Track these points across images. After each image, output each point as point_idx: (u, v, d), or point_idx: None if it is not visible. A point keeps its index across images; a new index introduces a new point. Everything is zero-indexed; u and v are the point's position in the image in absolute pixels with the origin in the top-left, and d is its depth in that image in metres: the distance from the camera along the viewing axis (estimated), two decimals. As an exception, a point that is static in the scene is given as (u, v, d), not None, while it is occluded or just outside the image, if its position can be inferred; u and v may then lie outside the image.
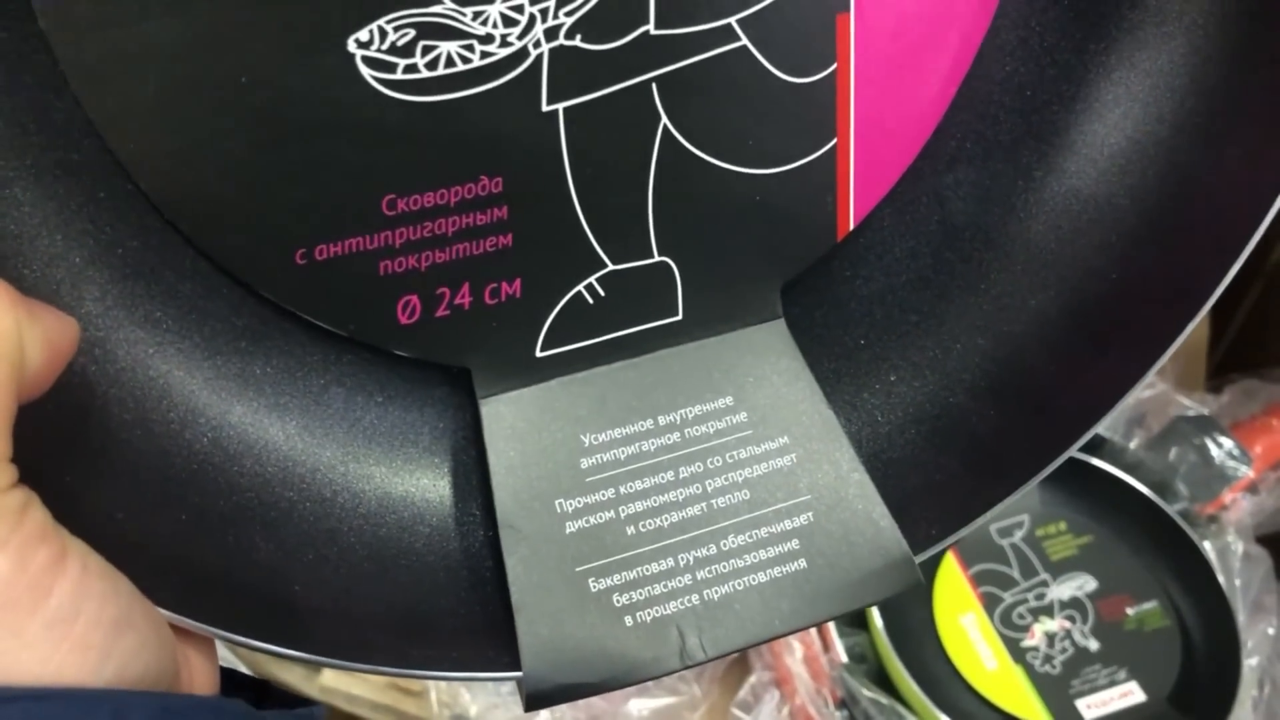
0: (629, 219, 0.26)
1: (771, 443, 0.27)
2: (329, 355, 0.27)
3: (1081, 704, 0.52)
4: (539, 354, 0.26)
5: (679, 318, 0.27)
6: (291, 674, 0.60)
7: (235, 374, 0.26)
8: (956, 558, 0.57)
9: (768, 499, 0.26)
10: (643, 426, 0.27)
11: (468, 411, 0.27)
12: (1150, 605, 0.55)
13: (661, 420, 0.27)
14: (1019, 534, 0.58)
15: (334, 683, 0.61)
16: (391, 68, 0.23)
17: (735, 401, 0.27)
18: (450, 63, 0.23)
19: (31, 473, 0.19)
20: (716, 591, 0.25)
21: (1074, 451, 0.26)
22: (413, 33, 0.23)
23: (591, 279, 0.27)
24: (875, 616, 0.53)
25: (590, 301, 0.27)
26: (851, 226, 0.28)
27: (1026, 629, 0.55)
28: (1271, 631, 0.55)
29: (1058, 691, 0.53)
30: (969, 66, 0.27)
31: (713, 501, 0.26)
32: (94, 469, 0.23)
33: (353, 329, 0.25)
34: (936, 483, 0.28)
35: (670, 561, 0.25)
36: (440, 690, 0.58)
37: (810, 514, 0.26)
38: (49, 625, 0.18)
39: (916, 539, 0.26)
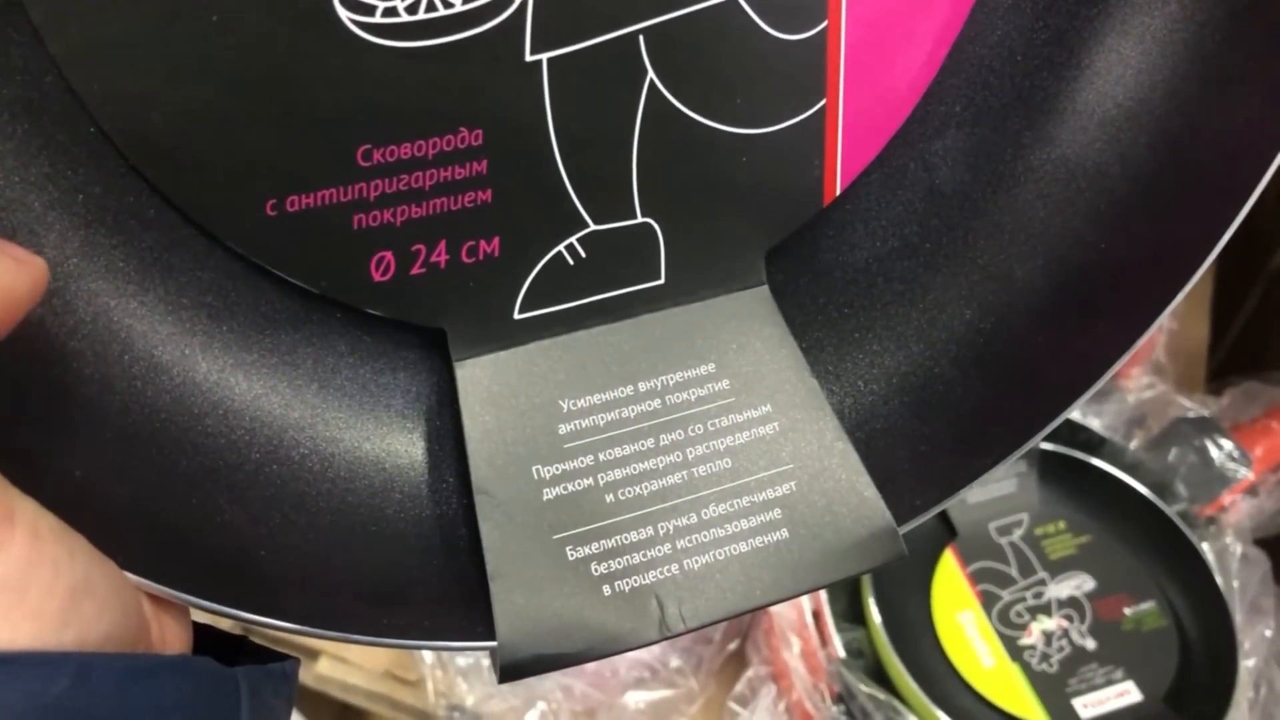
0: (612, 177, 0.25)
1: (754, 410, 0.26)
2: (299, 313, 0.26)
3: (1078, 703, 0.52)
4: (517, 316, 0.26)
5: (661, 282, 0.27)
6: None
7: (201, 330, 0.25)
8: (955, 555, 0.57)
9: (750, 467, 0.25)
10: (623, 393, 0.26)
11: (443, 374, 0.27)
12: (1148, 606, 0.55)
13: (642, 386, 0.26)
14: (1018, 532, 0.58)
15: (329, 671, 0.61)
16: (370, 10, 0.22)
17: (717, 369, 0.27)
18: (431, 7, 0.22)
19: None
20: (697, 561, 0.24)
21: (1060, 421, 0.26)
22: None
23: (572, 239, 0.26)
24: (873, 612, 0.53)
25: (571, 263, 0.26)
26: (838, 191, 0.27)
27: (1024, 627, 0.55)
28: (1269, 634, 0.55)
29: (1054, 690, 0.53)
30: (960, 29, 0.27)
31: (694, 470, 0.25)
32: (51, 426, 0.22)
33: (324, 285, 0.24)
34: (921, 453, 0.27)
35: (650, 530, 0.25)
36: (436, 680, 0.58)
37: (793, 483, 0.25)
38: None
39: (901, 510, 0.25)
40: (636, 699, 0.55)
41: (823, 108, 0.26)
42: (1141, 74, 0.27)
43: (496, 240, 0.25)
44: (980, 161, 0.28)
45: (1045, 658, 0.54)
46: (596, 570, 0.24)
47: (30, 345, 0.22)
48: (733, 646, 0.56)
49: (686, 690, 0.55)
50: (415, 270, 0.25)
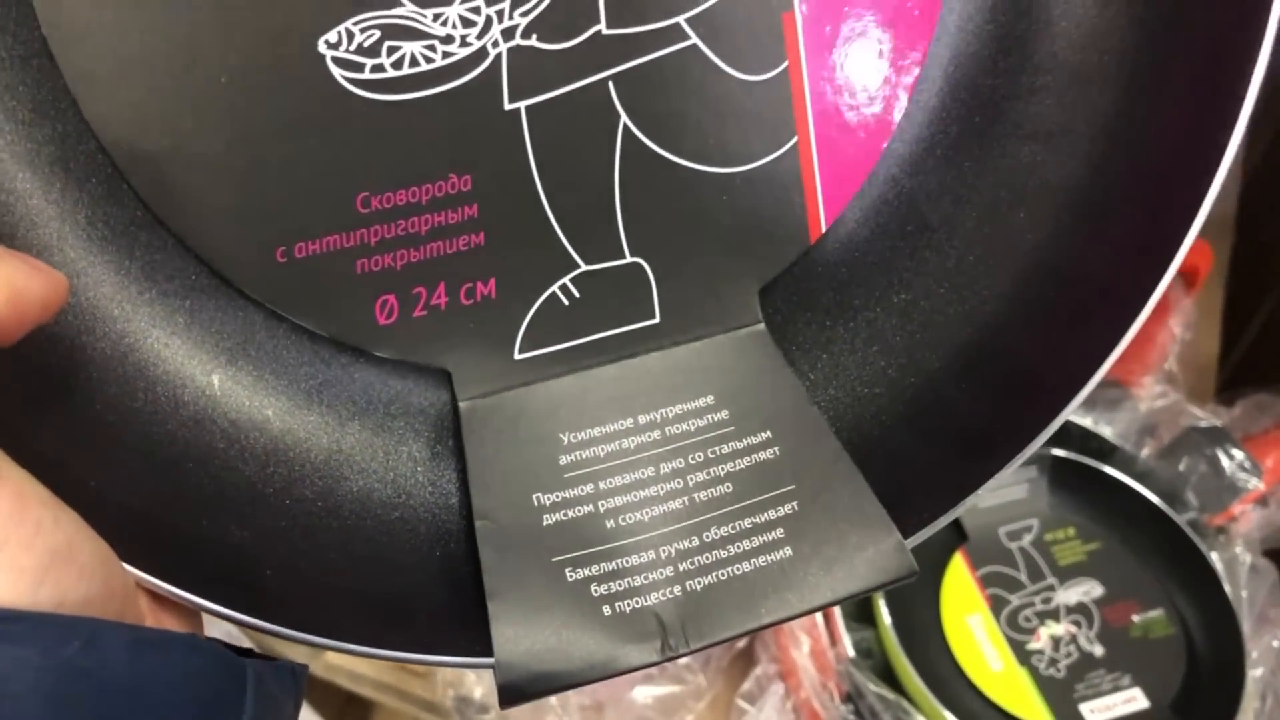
0: (598, 217, 0.26)
1: (754, 438, 0.26)
2: (312, 354, 0.27)
3: (1085, 708, 0.52)
4: (518, 356, 0.27)
5: (656, 321, 0.27)
6: (294, 650, 0.60)
7: (221, 369, 0.26)
8: (965, 559, 0.57)
9: (752, 491, 0.25)
10: (623, 425, 0.26)
11: (447, 407, 0.27)
12: (1156, 613, 0.56)
13: (642, 419, 0.27)
14: (1028, 538, 0.58)
15: (338, 660, 0.62)
16: (360, 67, 0.24)
17: (716, 400, 0.27)
18: (414, 62, 0.25)
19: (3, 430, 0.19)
20: (699, 582, 0.24)
21: (1061, 421, 0.26)
22: (378, 33, 0.24)
23: (565, 280, 0.27)
24: (883, 613, 0.53)
25: (566, 303, 0.27)
26: (824, 228, 0.28)
27: (1032, 632, 0.55)
28: (1276, 644, 0.55)
29: (1062, 695, 0.53)
30: (921, 67, 0.28)
31: (695, 495, 0.26)
32: (69, 438, 0.24)
33: (334, 330, 0.26)
34: (924, 468, 0.27)
35: (651, 553, 0.25)
36: (445, 671, 0.58)
37: (795, 503, 0.25)
38: None
39: (908, 524, 0.25)
40: (644, 694, 0.56)
41: (795, 145, 0.27)
42: (1094, 83, 0.28)
43: (493, 281, 0.26)
44: (963, 192, 0.29)
45: (1053, 662, 0.54)
46: (596, 591, 0.24)
47: (56, 363, 0.24)
48: (742, 644, 0.57)
49: (694, 686, 0.56)
50: (417, 313, 0.26)
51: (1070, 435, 0.59)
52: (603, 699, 0.56)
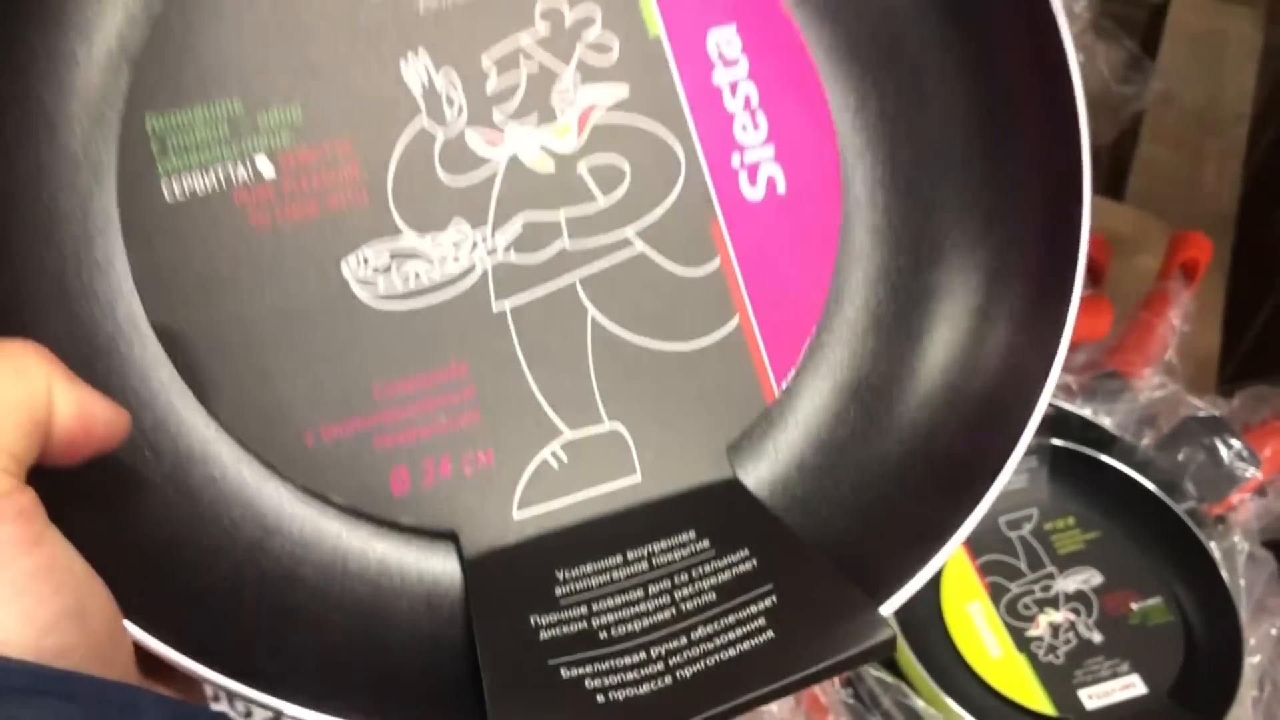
0: (577, 392, 0.31)
1: (733, 555, 0.28)
2: (335, 521, 0.31)
3: (1083, 694, 0.53)
4: (516, 516, 0.30)
5: (638, 478, 0.31)
6: None
7: (259, 537, 0.30)
8: (965, 548, 0.57)
9: (733, 594, 0.27)
10: (613, 561, 0.29)
11: (453, 555, 0.31)
12: (1154, 601, 0.56)
13: (630, 555, 0.29)
14: (1027, 527, 0.59)
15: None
16: (373, 283, 0.30)
17: (698, 534, 0.29)
18: (417, 277, 0.30)
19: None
20: (688, 670, 0.26)
21: (995, 491, 0.30)
22: (387, 256, 0.30)
23: (554, 446, 0.31)
24: (883, 600, 0.54)
25: (555, 467, 0.31)
26: (777, 393, 0.32)
27: (1032, 619, 0.55)
28: (1274, 632, 0.55)
29: (1060, 681, 0.53)
30: (835, 256, 0.33)
31: (681, 605, 0.27)
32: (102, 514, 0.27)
33: (355, 501, 0.30)
34: (888, 563, 0.30)
35: (642, 654, 0.26)
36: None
37: (774, 598, 0.27)
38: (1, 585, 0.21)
39: (880, 595, 0.28)
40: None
41: (738, 324, 0.32)
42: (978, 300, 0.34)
43: (490, 452, 0.30)
44: (894, 358, 0.34)
45: (1052, 649, 0.54)
46: (590, 685, 0.26)
47: (124, 495, 0.28)
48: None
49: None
50: (426, 483, 0.30)
51: (1070, 425, 0.59)
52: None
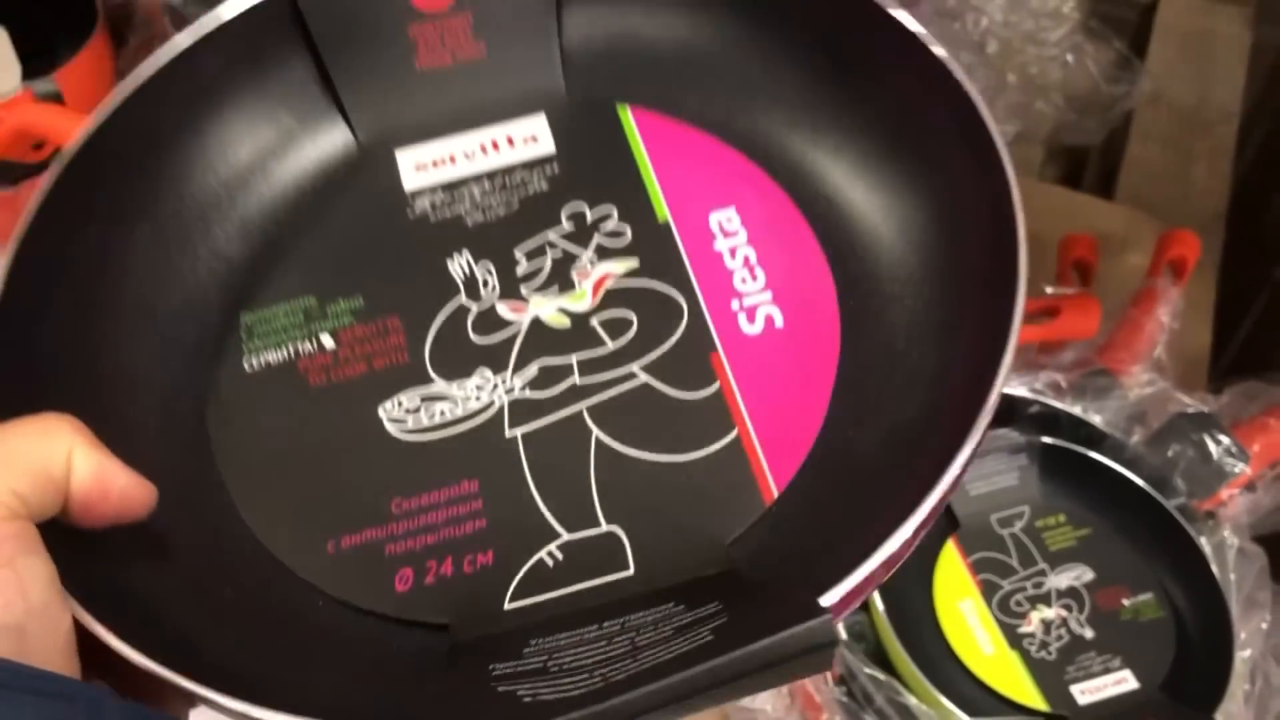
0: (578, 501, 0.33)
1: (703, 610, 0.28)
2: (339, 619, 0.32)
3: (1076, 689, 0.53)
4: (507, 607, 0.31)
5: (630, 573, 0.32)
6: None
7: (282, 648, 0.31)
8: (957, 546, 0.58)
9: (689, 629, 0.27)
10: (588, 629, 0.30)
11: (445, 640, 0.32)
12: (1146, 597, 0.56)
13: (606, 624, 0.29)
14: (1019, 525, 0.59)
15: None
16: (404, 421, 0.34)
17: (676, 603, 0.30)
18: (442, 414, 0.34)
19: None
20: (621, 675, 0.26)
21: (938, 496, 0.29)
22: (418, 400, 0.34)
23: (550, 547, 0.32)
24: (876, 599, 0.54)
25: (550, 565, 0.32)
26: (776, 495, 0.33)
27: (1024, 616, 0.56)
28: (1265, 626, 0.56)
29: (1053, 676, 0.54)
30: (834, 374, 0.35)
31: (637, 643, 0.28)
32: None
33: (364, 603, 0.32)
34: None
35: (585, 675, 0.26)
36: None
37: (725, 618, 0.27)
38: None
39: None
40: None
41: (737, 435, 0.34)
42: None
43: (490, 552, 0.32)
44: (889, 464, 0.33)
45: (1044, 645, 0.55)
46: (523, 694, 0.26)
47: (145, 551, 0.30)
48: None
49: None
50: (427, 581, 0.32)
51: (1060, 423, 0.60)
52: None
